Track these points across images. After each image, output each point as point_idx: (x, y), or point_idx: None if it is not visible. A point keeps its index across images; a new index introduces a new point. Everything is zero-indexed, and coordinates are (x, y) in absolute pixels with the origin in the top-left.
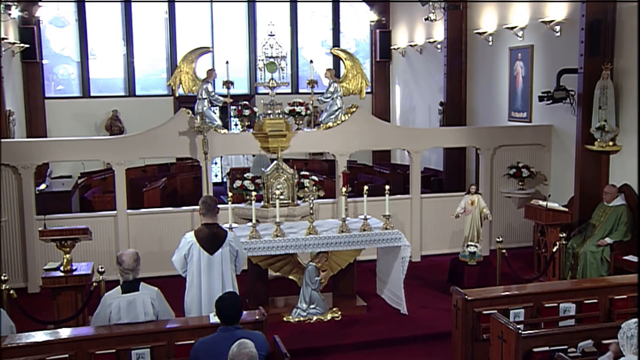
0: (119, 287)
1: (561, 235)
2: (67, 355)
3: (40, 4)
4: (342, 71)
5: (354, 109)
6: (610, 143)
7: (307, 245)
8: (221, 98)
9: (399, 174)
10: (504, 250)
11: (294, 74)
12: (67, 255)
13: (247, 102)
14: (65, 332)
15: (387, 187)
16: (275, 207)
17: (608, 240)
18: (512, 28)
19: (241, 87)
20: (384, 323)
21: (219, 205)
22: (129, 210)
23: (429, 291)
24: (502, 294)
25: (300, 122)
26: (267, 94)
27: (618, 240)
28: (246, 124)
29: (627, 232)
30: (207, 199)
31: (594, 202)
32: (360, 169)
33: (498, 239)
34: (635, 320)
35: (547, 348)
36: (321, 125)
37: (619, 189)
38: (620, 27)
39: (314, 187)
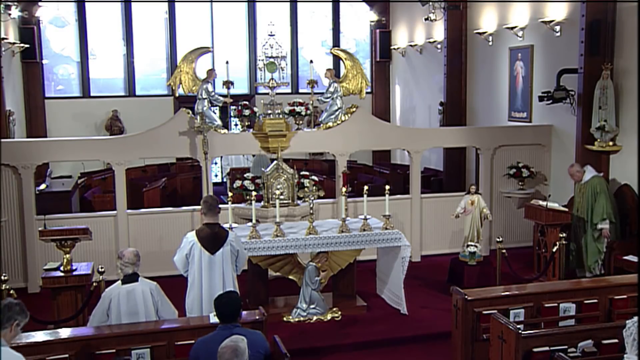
0: (119, 281)
1: (561, 235)
2: (67, 355)
3: (40, 4)
4: (342, 71)
5: (354, 109)
6: (610, 143)
7: (307, 245)
8: (221, 98)
9: (399, 174)
10: (504, 250)
11: (294, 74)
12: (67, 255)
13: (247, 102)
14: (65, 332)
15: (387, 187)
16: (275, 207)
17: (604, 225)
18: (512, 28)
19: (241, 87)
20: (384, 323)
21: (219, 205)
22: (129, 210)
23: (429, 291)
24: (502, 294)
25: (300, 122)
26: (267, 94)
27: (608, 212)
28: (246, 124)
29: (605, 203)
30: (209, 199)
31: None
32: (360, 169)
33: (498, 239)
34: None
35: (547, 348)
36: (321, 125)
37: (584, 163)
38: (620, 27)
39: (314, 187)
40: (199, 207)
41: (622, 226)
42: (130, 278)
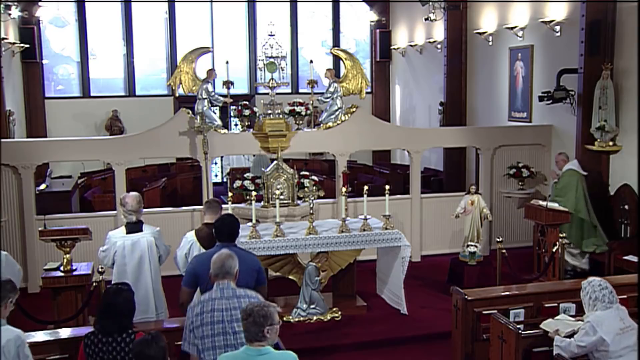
0: (123, 227)
1: (561, 235)
2: (67, 355)
3: (40, 4)
4: (342, 71)
5: (354, 109)
6: (610, 143)
7: (307, 245)
8: (221, 98)
9: (399, 174)
10: (504, 250)
11: (294, 74)
12: (67, 255)
13: (247, 102)
14: (65, 332)
15: (387, 187)
16: (275, 207)
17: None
18: (512, 28)
19: (241, 87)
20: (384, 323)
21: (221, 206)
22: None
23: (429, 291)
24: (502, 294)
25: (300, 122)
26: (267, 94)
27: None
28: (246, 124)
29: (572, 196)
30: (210, 200)
31: (594, 202)
32: (360, 169)
33: (498, 239)
34: (598, 280)
35: (547, 348)
36: (321, 125)
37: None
38: (620, 27)
39: (314, 187)
40: (199, 207)
41: (614, 228)
42: (135, 227)
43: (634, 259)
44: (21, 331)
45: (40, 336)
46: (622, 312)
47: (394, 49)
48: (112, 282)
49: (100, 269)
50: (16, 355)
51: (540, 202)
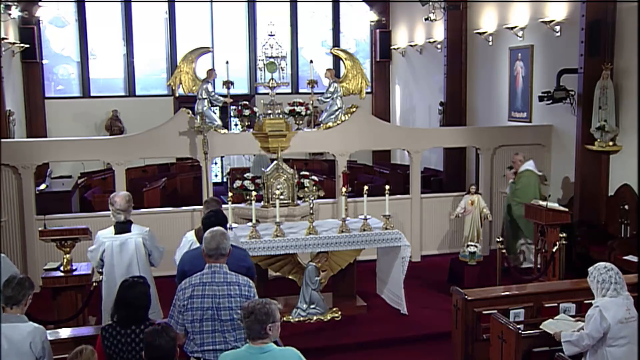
0: (112, 227)
1: (561, 235)
2: (67, 355)
3: (40, 4)
4: (342, 71)
5: (354, 109)
6: (610, 143)
7: (307, 245)
8: (221, 98)
9: (399, 174)
10: (504, 250)
11: (294, 74)
12: (67, 255)
13: (247, 102)
14: (65, 332)
15: (387, 187)
16: (275, 207)
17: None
18: (512, 28)
19: (241, 87)
20: (384, 323)
21: (221, 206)
22: None
23: (429, 291)
24: (502, 294)
25: (300, 122)
26: (267, 94)
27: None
28: (246, 124)
29: (531, 190)
30: (209, 199)
31: (594, 202)
32: (360, 169)
33: (498, 239)
34: (603, 263)
35: (547, 348)
36: (321, 125)
37: (530, 158)
38: (620, 27)
39: (314, 187)
40: (199, 207)
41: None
42: (123, 227)
43: (634, 259)
44: (42, 326)
45: None
46: (630, 302)
47: (394, 49)
48: (103, 283)
49: (100, 269)
50: (42, 349)
51: (540, 202)
